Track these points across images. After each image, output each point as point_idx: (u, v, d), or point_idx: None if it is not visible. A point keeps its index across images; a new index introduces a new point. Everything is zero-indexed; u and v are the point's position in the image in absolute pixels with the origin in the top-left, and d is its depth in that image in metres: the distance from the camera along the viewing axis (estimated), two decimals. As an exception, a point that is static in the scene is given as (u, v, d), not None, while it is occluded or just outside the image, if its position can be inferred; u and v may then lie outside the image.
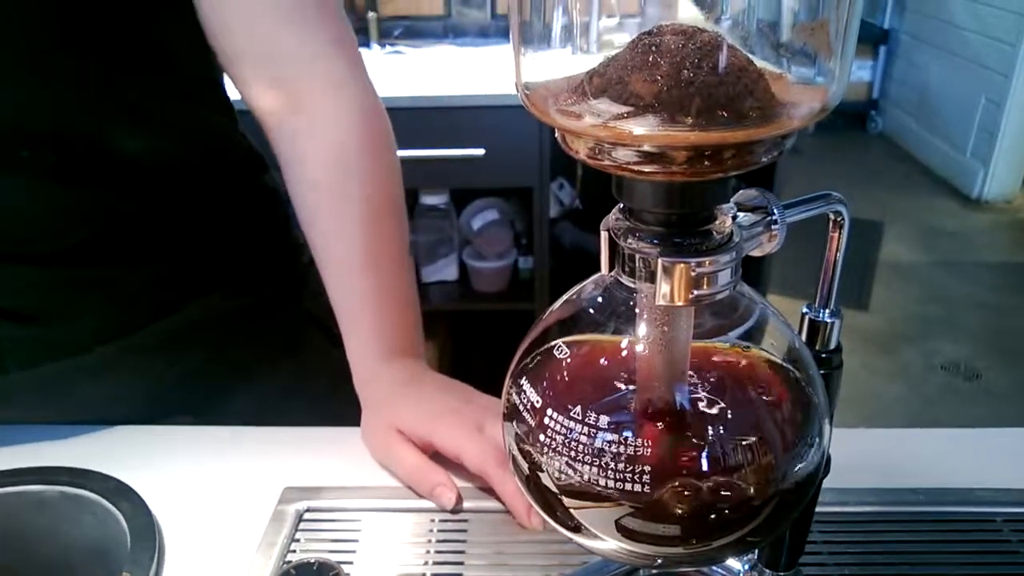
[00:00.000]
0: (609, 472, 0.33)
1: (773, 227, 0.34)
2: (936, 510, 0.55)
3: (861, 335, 2.62)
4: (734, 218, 0.32)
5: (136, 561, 0.51)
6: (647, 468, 0.32)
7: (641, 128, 0.26)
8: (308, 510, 0.57)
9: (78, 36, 0.57)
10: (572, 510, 0.35)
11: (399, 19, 2.26)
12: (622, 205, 0.32)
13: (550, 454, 0.34)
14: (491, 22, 2.25)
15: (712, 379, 0.35)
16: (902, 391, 2.38)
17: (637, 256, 0.31)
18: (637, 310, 0.34)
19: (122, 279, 0.64)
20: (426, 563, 0.52)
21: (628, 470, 0.32)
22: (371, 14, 2.19)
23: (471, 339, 2.19)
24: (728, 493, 0.33)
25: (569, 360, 0.35)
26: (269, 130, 0.63)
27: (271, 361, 0.76)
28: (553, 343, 0.36)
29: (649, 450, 0.32)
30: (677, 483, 0.33)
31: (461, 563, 0.52)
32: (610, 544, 0.35)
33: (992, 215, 3.52)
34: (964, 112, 3.70)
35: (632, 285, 0.33)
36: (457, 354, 2.19)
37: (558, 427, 0.34)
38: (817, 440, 0.35)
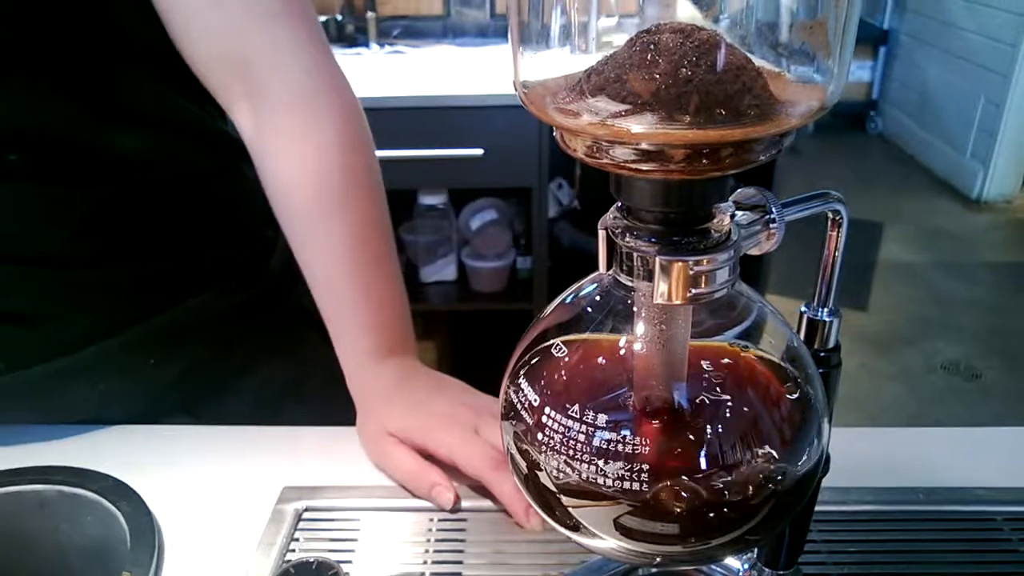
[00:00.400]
0: (607, 471, 0.33)
1: (771, 226, 0.34)
2: (936, 509, 0.55)
3: (860, 336, 2.62)
4: (732, 217, 0.32)
5: (136, 560, 0.51)
6: (645, 466, 0.32)
7: (639, 126, 0.26)
8: (307, 509, 0.57)
9: (58, 36, 0.57)
10: (571, 509, 0.35)
11: (398, 19, 2.26)
12: (620, 204, 0.32)
13: (548, 453, 0.34)
14: (490, 22, 2.25)
15: (710, 378, 0.35)
16: (902, 392, 2.38)
17: (635, 254, 0.31)
18: (635, 309, 0.34)
19: (112, 278, 0.64)
20: (425, 562, 0.52)
21: (626, 468, 0.32)
22: (370, 14, 2.19)
23: (470, 339, 2.19)
24: (727, 491, 0.33)
25: (567, 359, 0.35)
26: (249, 149, 0.63)
27: (266, 358, 0.76)
28: (551, 342, 0.36)
29: (647, 448, 0.32)
30: (675, 482, 0.33)
31: (460, 562, 0.52)
32: (609, 543, 0.35)
33: (992, 215, 3.52)
34: (964, 112, 3.70)
35: (630, 284, 0.33)
36: (456, 354, 2.19)
37: (556, 426, 0.34)
38: (816, 439, 0.35)
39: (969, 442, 0.63)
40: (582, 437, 0.33)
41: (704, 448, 0.33)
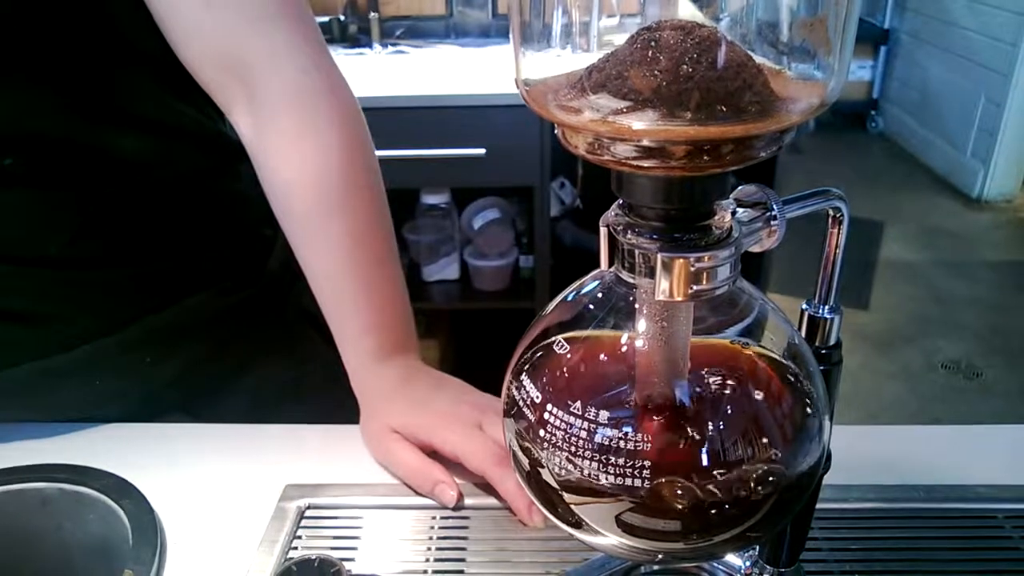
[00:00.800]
0: (609, 467, 0.33)
1: (772, 223, 0.34)
2: (937, 506, 0.55)
3: (862, 334, 2.62)
4: (733, 214, 0.32)
5: (138, 558, 0.51)
6: (647, 463, 0.32)
7: (640, 123, 0.26)
8: (309, 507, 0.57)
9: (55, 40, 0.57)
10: (573, 506, 0.35)
11: (401, 19, 2.26)
12: (621, 201, 0.32)
13: (550, 450, 0.34)
14: (492, 22, 2.25)
15: (712, 375, 0.35)
16: (902, 390, 2.38)
17: (636, 251, 0.31)
18: (636, 305, 0.34)
19: (110, 278, 0.64)
20: (427, 559, 0.53)
21: (628, 465, 0.32)
22: (373, 14, 2.20)
23: (472, 337, 2.19)
24: (728, 489, 0.33)
25: (569, 356, 0.36)
26: (248, 150, 0.63)
27: (264, 358, 0.76)
28: (553, 339, 0.36)
29: (649, 445, 0.32)
30: (677, 479, 0.33)
31: (462, 559, 0.53)
32: (611, 540, 0.35)
33: (992, 214, 3.52)
34: (964, 112, 3.70)
35: (631, 280, 0.33)
36: (458, 352, 2.19)
37: (558, 423, 0.34)
38: (817, 436, 0.35)
39: (970, 440, 0.63)
40: (584, 434, 0.33)
41: (705, 445, 0.33)
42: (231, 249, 0.72)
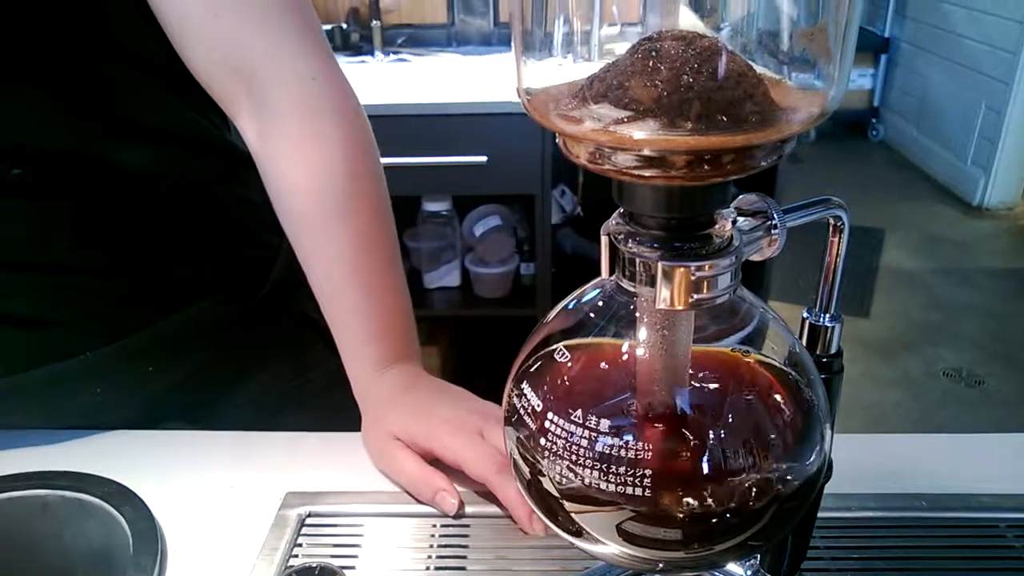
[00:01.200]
0: (610, 476, 0.33)
1: (773, 231, 0.34)
2: (939, 515, 0.55)
3: (862, 342, 2.62)
4: (734, 222, 0.33)
5: (138, 565, 0.51)
6: (648, 472, 0.32)
7: (641, 132, 0.26)
8: (310, 515, 0.57)
9: (56, 50, 0.57)
10: (573, 514, 0.35)
11: (402, 27, 2.27)
12: (622, 210, 0.32)
13: (551, 458, 0.34)
14: (494, 30, 2.26)
15: (713, 383, 0.35)
16: (904, 398, 2.37)
17: (637, 260, 0.31)
18: (637, 314, 0.34)
19: (114, 286, 0.64)
20: (428, 568, 0.53)
21: (629, 474, 0.32)
22: (375, 22, 2.20)
23: (473, 345, 2.19)
24: (729, 497, 0.33)
25: (570, 364, 0.36)
26: (254, 155, 0.63)
27: (267, 365, 0.76)
28: (554, 347, 0.36)
29: (650, 454, 0.32)
30: (678, 487, 0.33)
31: (463, 568, 0.52)
32: (611, 548, 0.35)
33: (993, 222, 3.52)
34: (965, 120, 3.70)
35: (632, 289, 0.33)
36: (459, 359, 2.19)
37: (559, 431, 0.34)
38: (818, 445, 0.35)
39: (971, 448, 0.63)
40: (585, 442, 0.33)
41: (706, 454, 0.33)
42: (235, 256, 0.72)
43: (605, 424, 0.33)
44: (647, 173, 0.28)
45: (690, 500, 0.33)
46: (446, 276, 2.04)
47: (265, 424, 0.68)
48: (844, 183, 3.86)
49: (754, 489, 0.33)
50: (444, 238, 1.99)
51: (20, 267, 0.61)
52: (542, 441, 0.34)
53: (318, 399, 0.77)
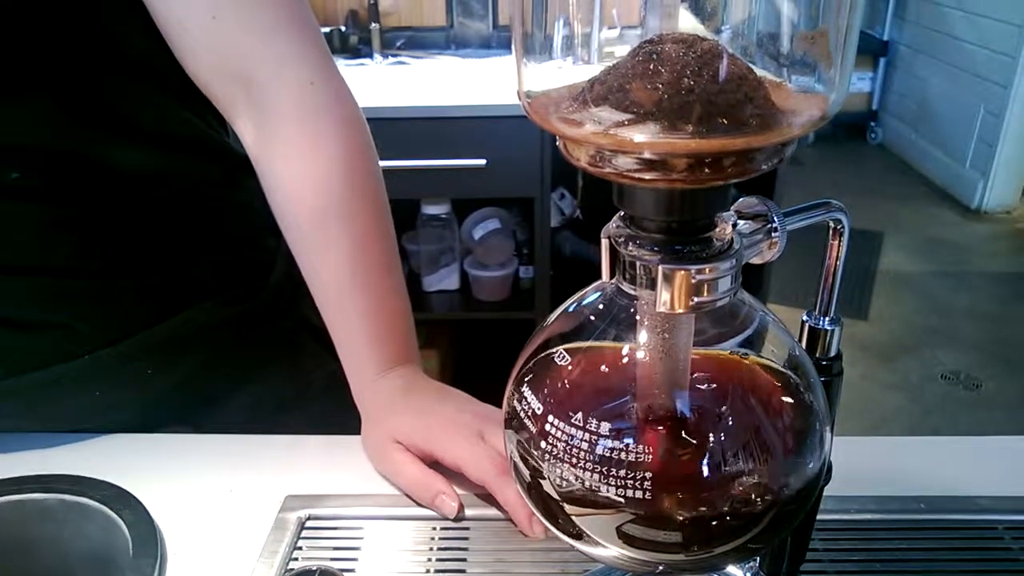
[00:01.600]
0: (610, 479, 0.33)
1: (773, 234, 0.34)
2: (937, 518, 0.55)
3: (861, 345, 2.62)
4: (734, 226, 0.33)
5: (138, 569, 0.51)
6: (648, 475, 0.32)
7: (642, 135, 0.26)
8: (310, 518, 0.57)
9: (55, 54, 0.57)
10: (573, 517, 0.35)
11: (401, 30, 2.27)
12: (623, 213, 0.32)
13: (551, 461, 0.34)
14: (493, 33, 2.26)
15: (713, 386, 0.35)
16: (902, 401, 2.38)
17: (638, 263, 0.32)
18: (638, 317, 0.34)
19: (114, 289, 0.64)
20: (427, 571, 0.52)
21: (629, 477, 0.32)
22: (374, 25, 2.20)
23: (473, 348, 2.19)
24: (729, 500, 0.33)
25: (570, 367, 0.36)
26: (252, 159, 0.63)
27: (265, 369, 0.76)
28: (554, 350, 0.36)
29: (650, 457, 0.33)
30: (678, 490, 0.33)
31: (463, 571, 0.52)
32: (611, 551, 0.35)
33: (992, 225, 3.53)
34: (963, 123, 3.71)
35: (633, 292, 0.33)
36: (459, 363, 2.19)
37: (559, 434, 0.34)
38: (818, 447, 0.35)
39: (970, 451, 0.63)
40: (585, 445, 0.33)
41: (706, 456, 0.33)
42: (234, 259, 0.72)
43: (605, 427, 0.33)
44: (648, 176, 0.28)
45: (690, 503, 0.33)
46: (445, 279, 2.04)
47: (265, 427, 0.68)
48: (843, 186, 3.87)
49: (754, 492, 0.33)
50: (443, 241, 1.99)
51: (22, 271, 0.61)
52: (542, 444, 0.34)
53: (318, 402, 0.77)
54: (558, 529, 0.36)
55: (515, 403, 0.36)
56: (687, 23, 0.28)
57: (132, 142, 0.63)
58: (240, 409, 0.74)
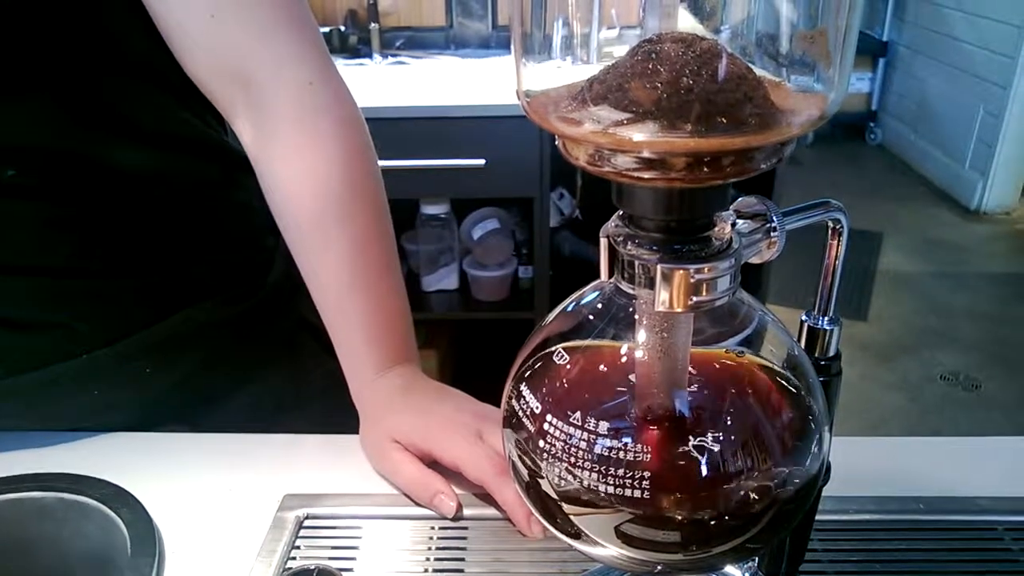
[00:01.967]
0: (608, 478, 0.33)
1: (772, 234, 0.34)
2: (937, 518, 0.55)
3: (860, 345, 2.62)
4: (733, 225, 0.33)
5: (136, 568, 0.51)
6: (646, 474, 0.32)
7: (641, 134, 0.26)
8: (308, 517, 0.57)
9: (54, 52, 0.57)
10: (572, 516, 0.35)
11: (401, 30, 2.27)
12: (621, 212, 0.32)
13: (550, 460, 0.34)
14: (492, 33, 2.26)
15: (711, 386, 0.35)
16: (901, 401, 2.38)
17: (636, 262, 0.31)
18: (636, 317, 0.34)
19: (112, 289, 0.64)
20: (426, 570, 0.52)
21: (627, 476, 0.32)
22: (373, 25, 2.20)
23: (472, 348, 2.19)
24: (727, 500, 0.33)
25: (569, 366, 0.36)
26: (251, 158, 0.63)
27: (264, 368, 0.76)
28: (553, 349, 0.36)
29: (648, 456, 0.33)
30: (676, 489, 0.33)
31: (461, 570, 0.52)
32: (610, 551, 0.35)
33: (991, 226, 3.53)
34: (963, 124, 3.71)
35: (631, 291, 0.33)
36: (458, 363, 2.19)
37: (558, 433, 0.34)
38: (817, 447, 0.35)
39: (969, 451, 0.63)
40: (583, 445, 0.33)
41: (705, 456, 0.33)
42: (232, 260, 0.72)
43: (604, 426, 0.33)
44: (646, 175, 0.28)
45: (688, 502, 0.33)
46: (444, 279, 2.04)
47: (264, 427, 0.68)
48: (842, 187, 3.87)
49: (752, 492, 0.33)
50: (442, 241, 1.99)
51: (21, 271, 0.61)
52: (541, 443, 0.34)
53: (317, 402, 0.77)
54: (556, 529, 0.36)
55: (513, 402, 0.36)
56: (686, 23, 0.28)
57: (131, 142, 0.63)
58: (239, 409, 0.74)
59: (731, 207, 0.34)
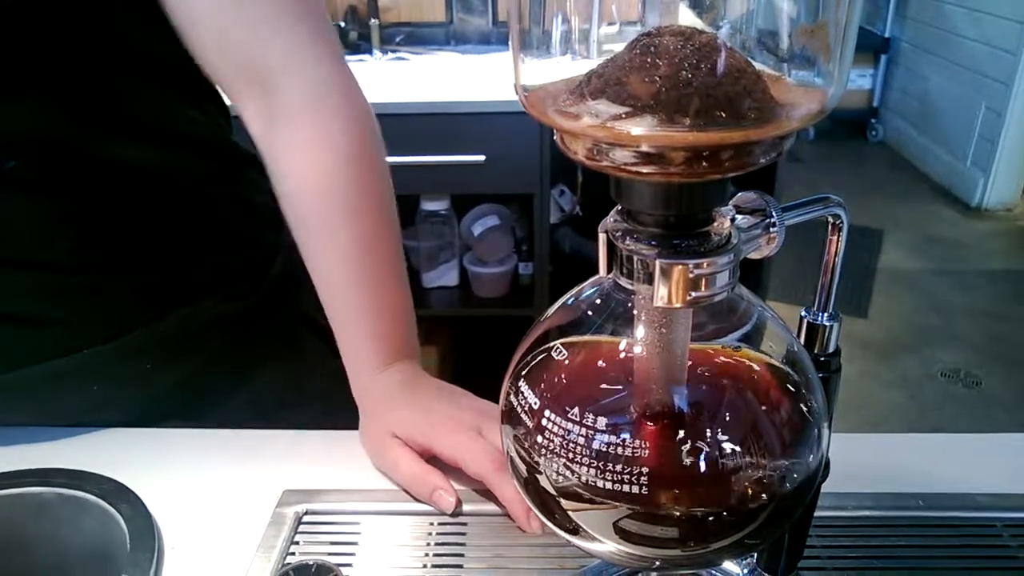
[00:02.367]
0: (607, 474, 0.33)
1: (771, 229, 0.34)
2: (936, 515, 0.55)
3: (861, 342, 2.62)
4: (732, 220, 0.32)
5: (135, 563, 0.51)
6: (645, 470, 0.32)
7: (639, 128, 0.26)
8: (307, 513, 0.57)
9: (60, 48, 0.57)
10: (570, 512, 0.35)
11: (401, 25, 2.26)
12: (620, 207, 0.32)
13: (548, 456, 0.34)
14: (492, 28, 2.26)
15: (710, 381, 0.35)
16: (901, 398, 2.38)
17: (635, 258, 0.31)
18: (635, 312, 0.34)
19: (114, 285, 0.64)
20: (425, 566, 0.52)
21: (626, 472, 0.32)
22: (373, 21, 2.20)
23: (472, 344, 2.19)
24: (726, 496, 0.33)
25: (567, 362, 0.36)
26: (258, 148, 0.63)
27: (264, 365, 0.76)
28: (551, 344, 0.36)
29: (647, 452, 0.32)
30: (675, 485, 0.33)
31: (460, 566, 0.52)
32: (608, 546, 0.35)
33: (992, 223, 3.52)
34: (964, 120, 3.70)
35: (630, 287, 0.33)
36: (458, 359, 2.19)
37: (556, 429, 0.34)
38: (816, 443, 0.35)
39: (968, 448, 0.63)
40: (582, 440, 0.33)
41: (703, 452, 0.33)
42: (234, 256, 0.72)
43: (602, 422, 0.33)
44: (645, 169, 0.27)
45: (687, 498, 0.33)
46: (444, 275, 2.04)
47: (264, 423, 0.68)
48: (843, 183, 3.86)
49: (751, 488, 0.33)
50: (442, 237, 1.99)
51: (21, 265, 0.60)
52: (539, 439, 0.34)
53: (317, 399, 0.77)
54: (555, 524, 0.36)
55: (512, 398, 0.36)
56: (686, 17, 0.28)
57: (133, 137, 0.63)
58: (240, 406, 0.74)
59: (730, 202, 0.33)
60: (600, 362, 0.36)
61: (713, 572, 0.49)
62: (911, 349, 2.61)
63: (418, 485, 0.57)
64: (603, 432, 0.33)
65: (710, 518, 0.33)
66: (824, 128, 4.18)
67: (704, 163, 0.27)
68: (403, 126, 1.72)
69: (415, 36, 2.26)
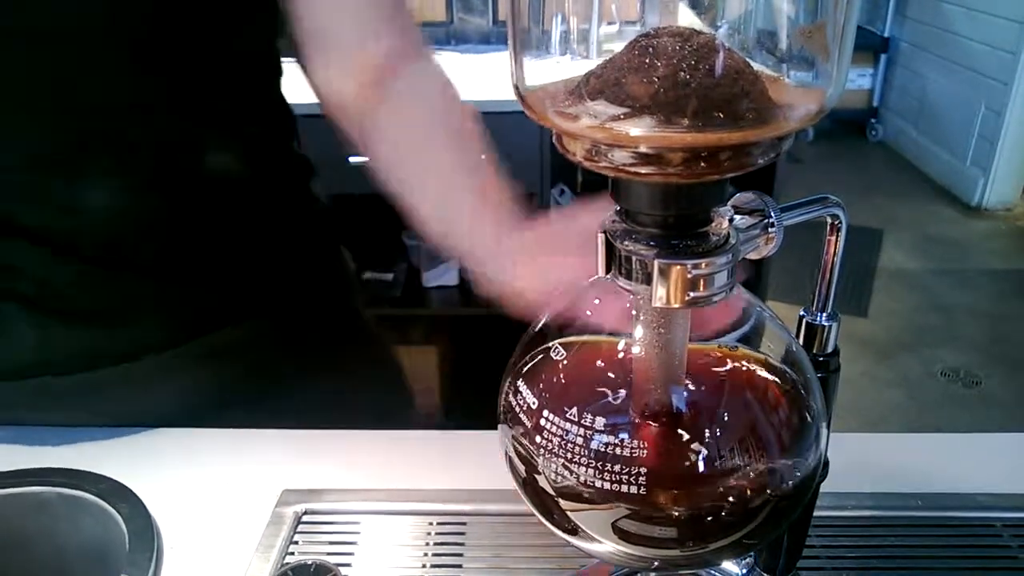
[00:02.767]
0: (605, 474, 0.33)
1: (770, 229, 0.34)
2: (935, 515, 0.55)
3: (860, 342, 2.62)
4: (731, 220, 0.32)
5: (134, 563, 0.51)
6: (643, 470, 0.32)
7: (638, 129, 0.26)
8: (307, 512, 0.57)
9: (174, 42, 0.58)
10: (569, 512, 0.35)
11: (401, 25, 2.26)
12: (619, 207, 0.32)
13: (547, 456, 0.34)
14: (492, 28, 2.26)
15: (709, 381, 0.35)
16: (901, 398, 2.38)
17: (633, 258, 0.31)
18: (634, 312, 0.34)
19: (180, 295, 0.66)
20: (424, 566, 0.52)
21: (624, 472, 0.32)
22: (373, 20, 2.20)
23: (472, 343, 2.18)
24: (724, 496, 0.33)
25: (565, 362, 0.36)
26: (344, 108, 0.64)
27: (313, 373, 0.76)
28: (549, 345, 0.36)
29: (645, 452, 0.32)
30: (673, 485, 0.33)
31: (459, 565, 0.52)
32: (607, 547, 0.35)
33: (992, 223, 3.52)
34: (964, 120, 3.70)
35: (628, 287, 0.33)
36: (458, 358, 2.19)
37: (554, 429, 0.34)
38: (814, 443, 0.35)
39: (968, 448, 0.63)
40: (580, 440, 0.33)
41: (702, 452, 0.33)
42: (292, 267, 0.73)
43: (600, 422, 0.33)
44: (643, 170, 0.27)
45: (685, 498, 0.33)
46: (444, 275, 2.03)
47: (262, 421, 0.68)
48: (843, 183, 3.86)
49: (749, 488, 0.33)
50: (443, 237, 1.98)
51: (95, 262, 0.62)
52: (537, 439, 0.34)
53: (359, 403, 0.77)
54: (554, 525, 0.36)
55: (510, 398, 0.36)
56: (685, 19, 0.28)
57: (223, 141, 0.65)
58: (286, 410, 0.74)
59: (729, 203, 0.33)
60: (598, 362, 0.36)
61: (712, 572, 0.49)
62: (911, 349, 2.60)
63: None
64: (601, 432, 0.33)
65: (708, 518, 0.33)
66: (824, 128, 4.17)
67: (702, 164, 0.27)
68: (403, 126, 1.71)
69: (415, 36, 2.26)
